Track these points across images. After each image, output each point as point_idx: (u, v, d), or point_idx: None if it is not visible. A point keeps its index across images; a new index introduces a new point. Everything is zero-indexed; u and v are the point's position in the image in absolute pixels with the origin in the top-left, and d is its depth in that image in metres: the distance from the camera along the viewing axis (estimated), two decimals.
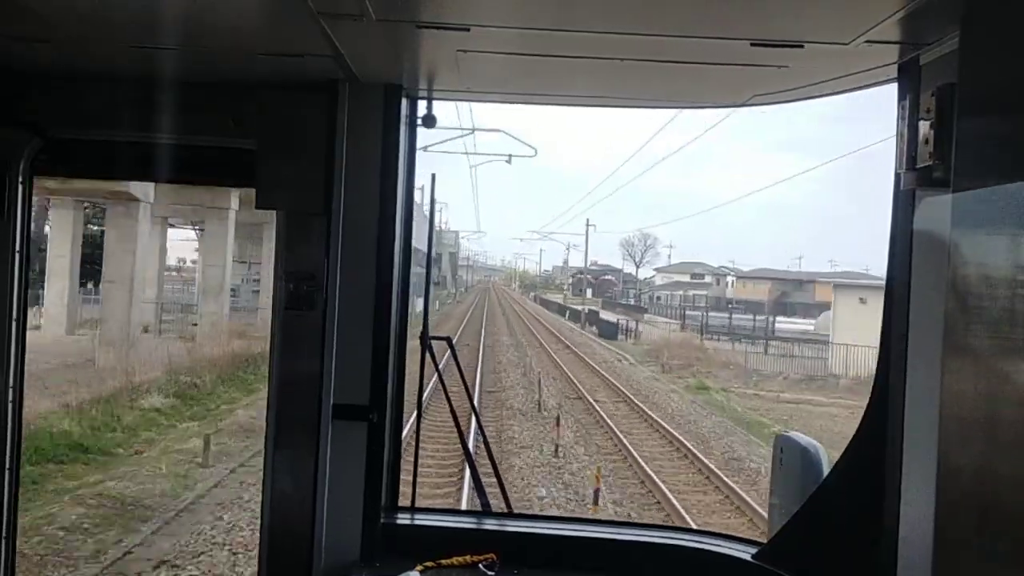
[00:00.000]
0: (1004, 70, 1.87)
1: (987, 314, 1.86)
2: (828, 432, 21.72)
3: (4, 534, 3.69)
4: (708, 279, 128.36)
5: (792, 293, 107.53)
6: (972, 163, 1.96)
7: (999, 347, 1.80)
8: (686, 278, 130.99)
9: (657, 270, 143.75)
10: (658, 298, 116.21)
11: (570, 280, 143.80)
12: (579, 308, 78.72)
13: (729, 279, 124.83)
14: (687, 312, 77.65)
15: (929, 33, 2.66)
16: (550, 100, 4.08)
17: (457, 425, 4.32)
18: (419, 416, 4.31)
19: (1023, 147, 1.77)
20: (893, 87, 2.94)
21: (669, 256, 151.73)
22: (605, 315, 72.44)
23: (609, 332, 58.97)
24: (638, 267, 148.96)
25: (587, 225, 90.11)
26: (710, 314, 72.38)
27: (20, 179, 3.66)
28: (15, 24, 2.97)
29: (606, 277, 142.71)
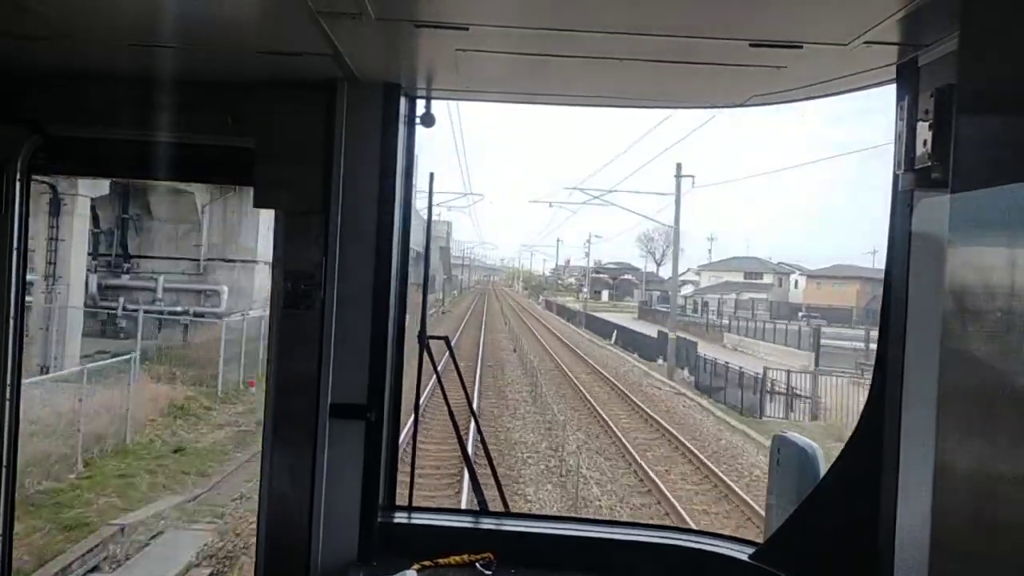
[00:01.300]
0: (1003, 71, 1.87)
1: (985, 316, 1.86)
2: None
3: (0, 531, 3.69)
4: (768, 279, 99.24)
5: None
6: (971, 164, 1.96)
7: (997, 349, 1.80)
8: (737, 277, 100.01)
9: (704, 268, 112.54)
10: (705, 303, 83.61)
11: (582, 280, 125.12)
12: (651, 334, 47.88)
13: (794, 278, 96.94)
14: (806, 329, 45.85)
15: (928, 34, 2.66)
16: (549, 100, 4.08)
17: (454, 424, 4.32)
18: (416, 415, 4.33)
19: (1022, 149, 1.77)
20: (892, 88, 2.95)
21: (710, 251, 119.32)
22: (707, 349, 39.05)
23: (743, 398, 29.02)
24: (659, 265, 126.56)
25: (678, 175, 43.27)
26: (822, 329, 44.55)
27: (18, 176, 3.67)
28: (14, 22, 2.96)
29: (625, 277, 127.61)
